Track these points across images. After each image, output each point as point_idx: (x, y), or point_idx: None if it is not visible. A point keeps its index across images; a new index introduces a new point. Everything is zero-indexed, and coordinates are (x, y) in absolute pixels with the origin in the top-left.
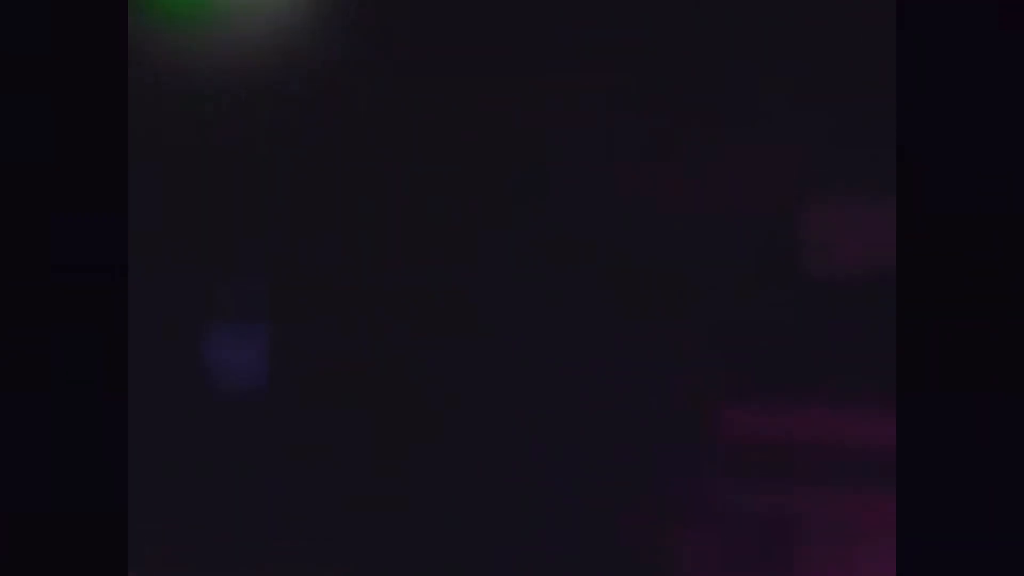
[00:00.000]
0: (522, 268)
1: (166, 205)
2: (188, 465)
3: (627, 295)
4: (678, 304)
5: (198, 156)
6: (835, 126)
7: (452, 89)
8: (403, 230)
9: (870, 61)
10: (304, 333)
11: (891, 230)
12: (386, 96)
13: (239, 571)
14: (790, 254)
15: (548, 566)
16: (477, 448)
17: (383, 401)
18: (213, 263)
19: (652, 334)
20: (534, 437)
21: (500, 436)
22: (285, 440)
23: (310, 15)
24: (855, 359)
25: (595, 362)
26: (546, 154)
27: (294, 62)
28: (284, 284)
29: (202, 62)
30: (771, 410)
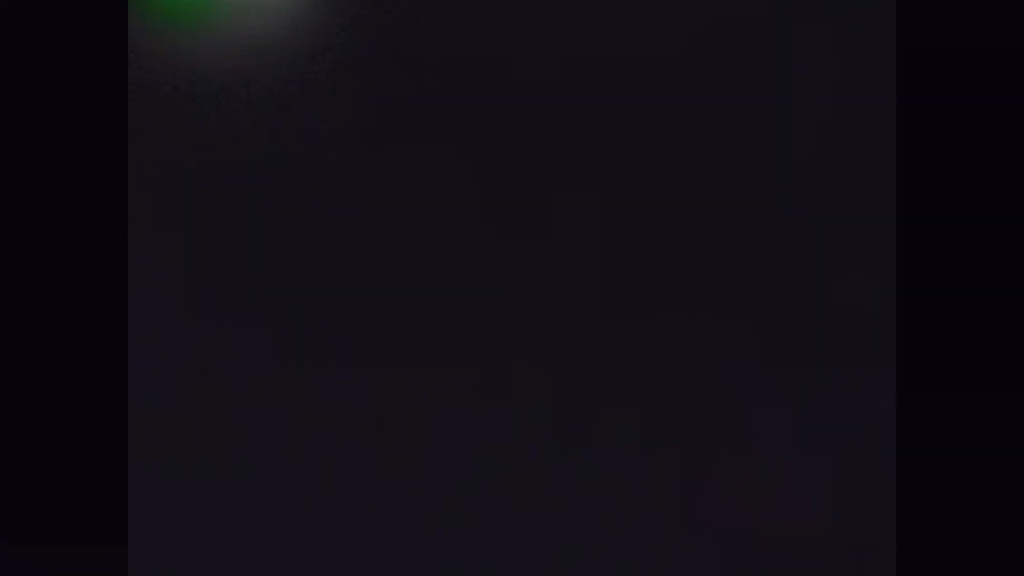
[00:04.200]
0: (524, 279)
1: (166, 205)
2: (188, 466)
3: None
4: None
5: (198, 156)
6: None
7: (453, 89)
8: (403, 231)
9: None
10: (304, 333)
11: None
12: (386, 96)
13: (239, 572)
14: None
15: None
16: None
17: (388, 403)
18: (212, 262)
19: None
20: None
21: None
22: (286, 440)
23: (310, 15)
24: None
25: None
26: (550, 155)
27: (294, 62)
28: (283, 284)
29: (202, 62)
30: None
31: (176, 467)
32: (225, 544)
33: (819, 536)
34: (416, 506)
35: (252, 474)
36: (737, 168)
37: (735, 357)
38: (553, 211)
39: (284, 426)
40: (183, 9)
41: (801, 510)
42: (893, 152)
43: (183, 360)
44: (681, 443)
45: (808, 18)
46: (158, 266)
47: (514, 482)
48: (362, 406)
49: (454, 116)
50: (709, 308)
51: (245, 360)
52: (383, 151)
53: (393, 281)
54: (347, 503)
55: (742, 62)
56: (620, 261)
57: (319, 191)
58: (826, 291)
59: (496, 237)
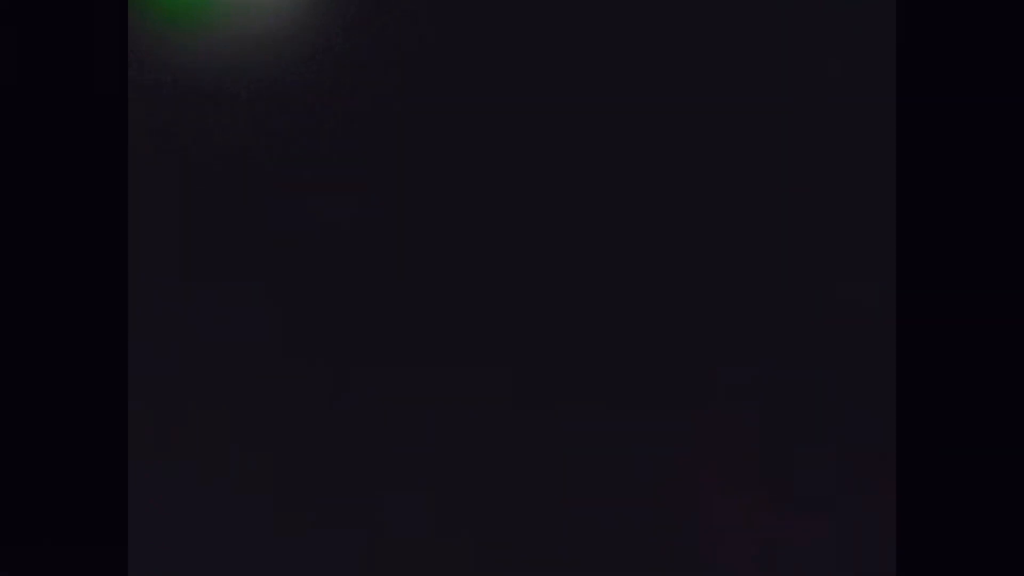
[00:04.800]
0: (525, 275)
1: (166, 205)
2: (188, 466)
3: None
4: None
5: (198, 156)
6: None
7: (453, 89)
8: (403, 229)
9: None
10: (305, 332)
11: None
12: (386, 96)
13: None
14: None
15: None
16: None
17: (389, 402)
18: (212, 262)
19: None
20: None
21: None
22: (286, 440)
23: (310, 15)
24: None
25: None
26: (550, 154)
27: (294, 62)
28: (283, 284)
29: (202, 62)
30: None
31: (176, 467)
32: (225, 544)
33: (819, 536)
34: (417, 506)
35: (252, 474)
36: (737, 168)
37: (735, 357)
38: (553, 210)
39: (284, 426)
40: (183, 9)
41: (800, 511)
42: (893, 151)
43: (183, 360)
44: (680, 443)
45: (808, 18)
46: (158, 265)
47: (515, 481)
48: (363, 405)
49: (454, 116)
50: (709, 308)
51: (245, 360)
52: (383, 151)
53: (393, 280)
54: (347, 503)
55: (742, 62)
56: (620, 260)
57: (319, 191)
58: (826, 291)
59: (497, 235)
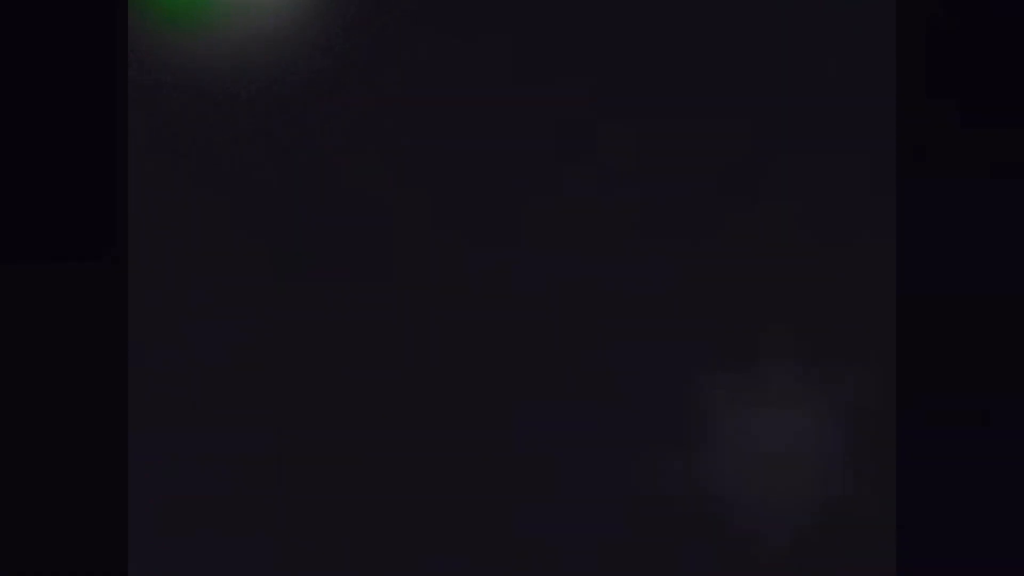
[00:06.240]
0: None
1: (166, 205)
2: (188, 467)
3: None
4: None
5: (198, 156)
6: None
7: (453, 89)
8: (403, 229)
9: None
10: (305, 333)
11: None
12: (386, 96)
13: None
14: None
15: None
16: None
17: (389, 403)
18: (213, 262)
19: None
20: None
21: None
22: (287, 441)
23: (310, 15)
24: None
25: None
26: (553, 155)
27: (294, 62)
28: (284, 284)
29: (202, 62)
30: None
31: (176, 467)
32: (225, 544)
33: (819, 535)
34: (417, 506)
35: (251, 474)
36: (737, 169)
37: (734, 356)
38: (553, 210)
39: (284, 426)
40: (183, 9)
41: (800, 511)
42: (893, 151)
43: (183, 360)
44: (678, 442)
45: (808, 18)
46: (158, 265)
47: (514, 481)
48: (362, 405)
49: (454, 116)
50: (708, 308)
51: (245, 360)
52: (383, 151)
53: (394, 280)
54: (346, 502)
55: (742, 62)
56: (619, 260)
57: (319, 191)
58: (826, 291)
59: (497, 235)
